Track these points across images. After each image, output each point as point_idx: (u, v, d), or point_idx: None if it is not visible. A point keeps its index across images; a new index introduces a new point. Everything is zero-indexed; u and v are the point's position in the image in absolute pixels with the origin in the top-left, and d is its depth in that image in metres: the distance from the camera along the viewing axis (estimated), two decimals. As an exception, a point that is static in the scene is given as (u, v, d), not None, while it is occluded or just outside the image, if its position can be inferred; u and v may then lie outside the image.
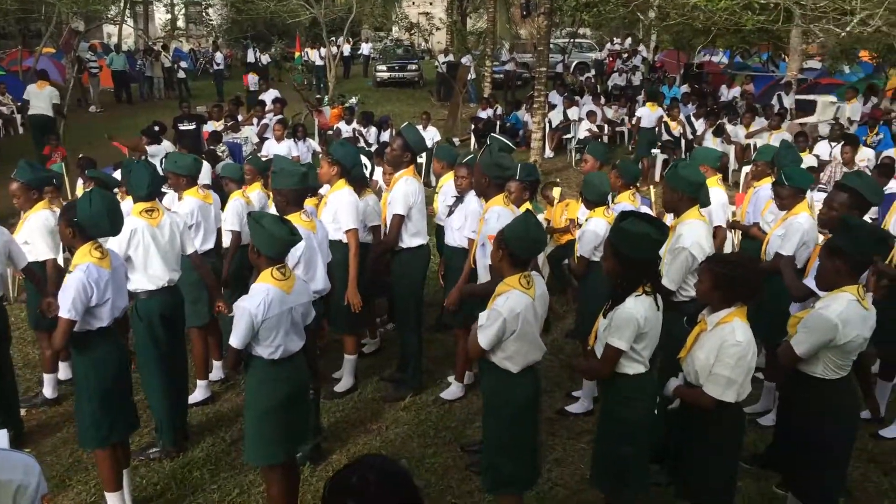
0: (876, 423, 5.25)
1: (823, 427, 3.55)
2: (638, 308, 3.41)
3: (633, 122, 14.37)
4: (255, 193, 6.43)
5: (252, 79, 21.41)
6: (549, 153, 15.51)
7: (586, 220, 5.49)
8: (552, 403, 5.63)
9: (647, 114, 13.63)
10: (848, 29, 9.84)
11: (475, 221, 5.26)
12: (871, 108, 14.15)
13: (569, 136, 15.71)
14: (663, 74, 22.04)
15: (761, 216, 6.01)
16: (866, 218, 5.08)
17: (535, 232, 3.64)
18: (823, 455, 3.58)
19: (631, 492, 3.68)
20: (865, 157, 10.17)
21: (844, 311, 3.40)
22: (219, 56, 24.73)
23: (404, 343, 5.92)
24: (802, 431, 3.61)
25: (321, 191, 6.05)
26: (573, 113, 15.97)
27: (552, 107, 16.47)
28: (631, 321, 3.39)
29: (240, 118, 13.55)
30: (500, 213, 4.82)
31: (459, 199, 5.70)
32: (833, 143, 11.07)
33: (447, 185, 6.31)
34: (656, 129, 13.63)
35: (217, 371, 6.06)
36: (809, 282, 4.14)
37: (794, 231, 4.93)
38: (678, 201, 4.47)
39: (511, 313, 3.53)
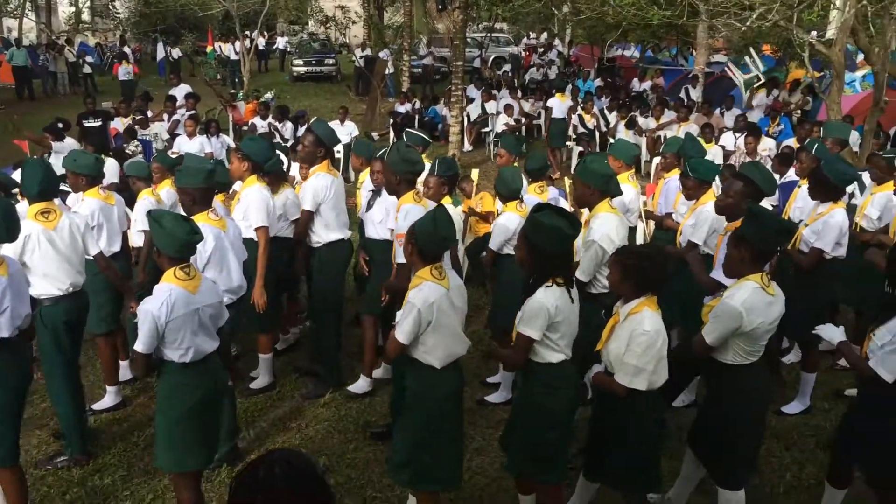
0: (779, 401, 5.51)
1: (736, 411, 3.66)
2: (548, 298, 3.48)
3: (546, 113, 14.74)
4: (165, 191, 6.24)
5: (123, 69, 20.75)
6: (467, 147, 15.61)
7: (499, 213, 5.57)
8: (472, 393, 5.69)
9: (558, 104, 14.06)
10: (748, 23, 10.23)
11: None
12: (773, 100, 14.78)
13: (487, 129, 15.85)
14: (578, 68, 22.43)
15: (674, 207, 6.21)
16: (766, 205, 5.31)
17: (443, 229, 3.65)
18: (737, 438, 3.69)
19: (553, 478, 3.76)
20: (767, 148, 10.63)
21: (749, 299, 3.51)
22: (126, 51, 23.89)
23: (322, 339, 5.86)
24: (717, 416, 3.72)
25: (235, 187, 5.94)
26: (491, 107, 16.11)
27: (470, 101, 16.58)
28: (541, 311, 3.45)
29: (149, 114, 13.14)
30: (408, 210, 4.84)
31: (377, 193, 5.68)
32: (737, 134, 11.56)
33: (367, 180, 6.28)
34: (566, 119, 14.02)
35: (125, 371, 5.88)
36: (717, 273, 4.30)
37: (703, 220, 5.13)
38: (589, 196, 4.55)
39: (425, 303, 3.54)
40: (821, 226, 5.05)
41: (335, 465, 4.82)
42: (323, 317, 5.81)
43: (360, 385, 5.78)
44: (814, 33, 11.69)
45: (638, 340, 3.39)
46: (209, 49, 24.86)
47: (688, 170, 5.30)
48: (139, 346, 3.63)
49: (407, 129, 6.10)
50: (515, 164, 6.35)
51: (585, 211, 4.75)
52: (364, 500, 4.48)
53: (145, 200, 5.89)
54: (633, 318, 3.44)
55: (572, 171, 4.88)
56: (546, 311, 3.45)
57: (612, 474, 3.71)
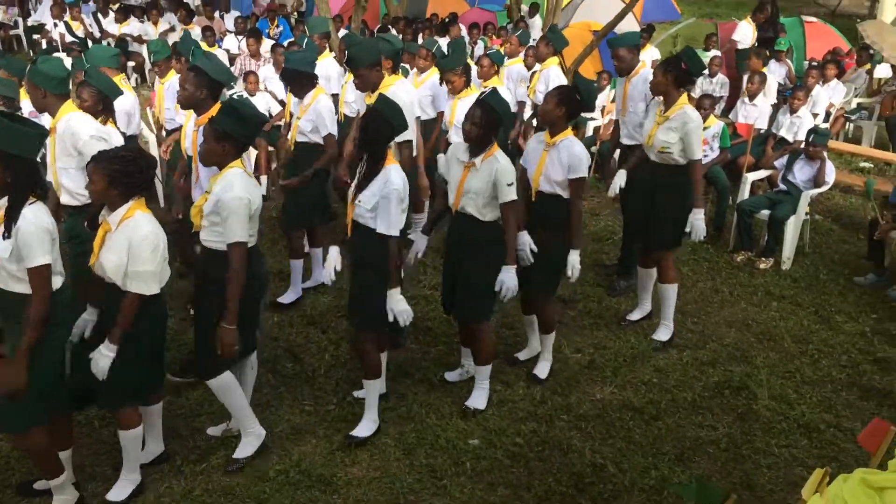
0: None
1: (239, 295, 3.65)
2: (40, 217, 3.17)
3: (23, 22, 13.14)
4: None
5: None
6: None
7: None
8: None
9: None
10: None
11: None
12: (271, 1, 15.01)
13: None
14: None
15: (177, 110, 6.19)
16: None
17: None
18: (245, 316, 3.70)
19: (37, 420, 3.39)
20: (268, 49, 10.85)
21: (246, 185, 3.59)
22: None
23: None
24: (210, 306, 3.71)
25: None
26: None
27: None
28: (42, 234, 3.14)
29: None
30: None
31: None
32: (240, 37, 11.79)
33: None
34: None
35: None
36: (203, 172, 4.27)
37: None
38: (45, 99, 4.21)
39: None
40: (314, 115, 5.33)
41: None
42: None
43: None
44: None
45: (143, 245, 3.31)
46: None
47: (192, 63, 5.14)
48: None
49: None
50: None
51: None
52: None
53: None
54: (126, 225, 3.31)
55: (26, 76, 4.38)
56: (47, 232, 3.16)
57: (105, 397, 3.56)
